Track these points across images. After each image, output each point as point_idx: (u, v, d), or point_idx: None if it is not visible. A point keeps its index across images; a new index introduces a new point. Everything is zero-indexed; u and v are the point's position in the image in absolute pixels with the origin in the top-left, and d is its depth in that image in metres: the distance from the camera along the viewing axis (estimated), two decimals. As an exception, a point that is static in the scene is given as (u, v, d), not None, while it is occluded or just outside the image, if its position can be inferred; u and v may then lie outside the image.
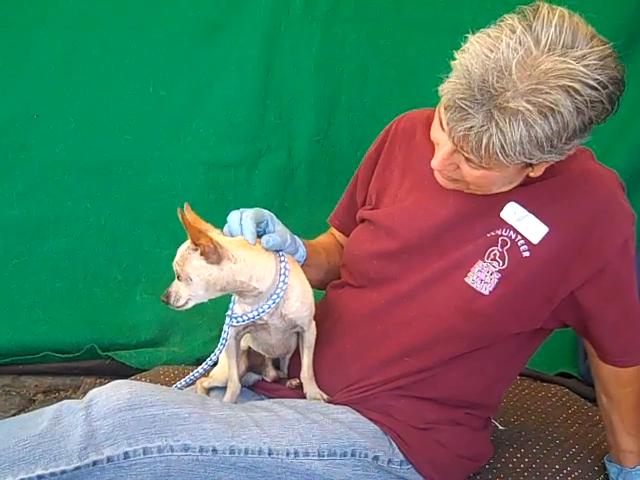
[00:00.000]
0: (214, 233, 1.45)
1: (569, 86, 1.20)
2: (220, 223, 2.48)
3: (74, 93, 2.53)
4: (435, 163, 1.37)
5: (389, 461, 1.46)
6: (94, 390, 1.42)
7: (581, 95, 1.21)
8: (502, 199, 1.42)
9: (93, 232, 2.59)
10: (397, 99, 2.52)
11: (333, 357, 1.54)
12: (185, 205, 1.42)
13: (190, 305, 1.43)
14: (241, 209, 1.50)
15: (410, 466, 1.48)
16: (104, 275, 2.60)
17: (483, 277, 1.42)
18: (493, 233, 1.42)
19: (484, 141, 1.23)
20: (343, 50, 2.52)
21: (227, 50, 2.51)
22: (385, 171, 1.61)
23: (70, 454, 1.34)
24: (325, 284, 1.68)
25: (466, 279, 1.43)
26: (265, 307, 1.44)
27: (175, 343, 2.47)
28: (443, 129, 1.32)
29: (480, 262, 1.42)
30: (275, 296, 1.43)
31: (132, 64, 2.52)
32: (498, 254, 1.41)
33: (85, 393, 1.45)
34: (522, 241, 1.40)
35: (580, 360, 2.26)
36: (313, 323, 1.52)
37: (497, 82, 1.20)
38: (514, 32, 1.22)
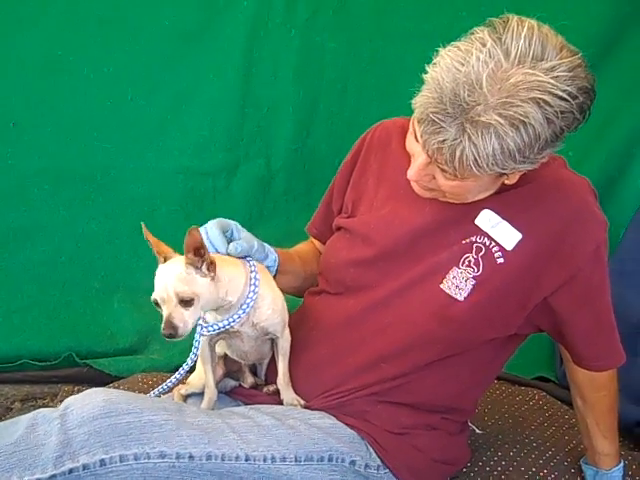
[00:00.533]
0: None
1: (539, 98, 1.24)
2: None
3: (52, 101, 2.53)
4: (411, 174, 1.41)
5: (366, 466, 1.49)
6: (69, 398, 1.44)
7: (551, 106, 1.25)
8: (477, 207, 1.46)
9: (71, 240, 2.60)
10: (377, 107, 2.54)
11: (310, 363, 1.57)
12: (143, 225, 1.46)
13: (187, 330, 1.37)
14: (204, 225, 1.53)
15: (387, 470, 1.51)
16: (82, 284, 2.60)
17: (458, 283, 1.45)
18: (468, 240, 1.46)
19: (457, 153, 1.27)
20: (322, 58, 2.53)
21: (206, 58, 2.52)
22: (361, 180, 1.65)
23: (45, 462, 1.35)
24: (302, 291, 1.71)
25: (441, 285, 1.46)
26: (235, 317, 1.46)
27: (154, 351, 2.47)
28: (417, 141, 1.35)
29: (455, 268, 1.45)
30: (245, 306, 1.45)
31: (111, 72, 2.52)
32: (473, 260, 1.45)
33: (62, 401, 1.45)
34: (496, 247, 1.44)
35: (557, 364, 2.30)
36: (287, 330, 1.55)
37: (468, 96, 1.24)
38: (484, 45, 1.25)
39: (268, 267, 1.57)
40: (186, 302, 1.36)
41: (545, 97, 1.24)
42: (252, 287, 1.45)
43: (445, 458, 1.59)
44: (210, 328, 1.48)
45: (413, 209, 1.52)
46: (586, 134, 2.34)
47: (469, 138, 1.26)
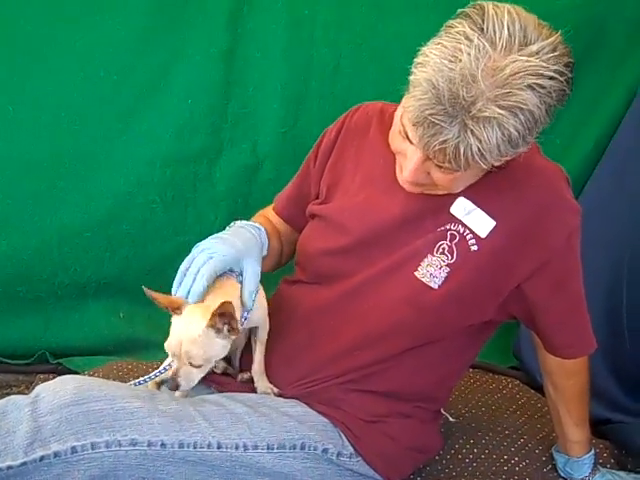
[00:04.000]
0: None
1: (533, 83, 1.50)
2: (177, 222, 2.79)
3: (12, 78, 2.66)
4: (407, 175, 1.66)
5: (338, 454, 1.79)
6: (40, 386, 1.74)
7: (544, 88, 1.52)
8: (452, 196, 1.74)
9: (37, 233, 2.79)
10: (371, 86, 2.71)
11: (284, 351, 1.86)
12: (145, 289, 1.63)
13: (193, 385, 1.69)
14: (205, 252, 1.71)
15: (359, 458, 1.81)
16: (50, 279, 2.82)
17: (432, 271, 1.74)
18: (442, 228, 1.74)
19: (461, 150, 1.52)
20: (312, 33, 2.70)
21: (187, 33, 2.67)
22: (337, 164, 1.93)
23: (16, 450, 1.63)
24: (274, 267, 2.02)
25: (416, 273, 1.75)
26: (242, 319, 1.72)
27: (131, 353, 2.73)
28: (407, 140, 1.61)
29: (430, 256, 1.74)
30: (246, 313, 1.72)
31: (81, 45, 2.65)
32: (447, 248, 1.73)
33: (36, 389, 1.74)
34: (470, 235, 1.73)
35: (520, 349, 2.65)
36: (265, 319, 1.83)
37: (467, 93, 1.48)
38: (470, 40, 1.49)
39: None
40: (196, 364, 1.64)
41: (538, 81, 1.50)
42: (245, 314, 1.72)
43: (418, 446, 1.90)
44: None
45: (388, 196, 1.80)
46: (573, 121, 2.66)
47: (472, 133, 1.50)
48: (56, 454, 1.65)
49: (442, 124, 1.50)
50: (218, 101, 2.77)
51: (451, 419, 2.15)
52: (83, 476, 1.66)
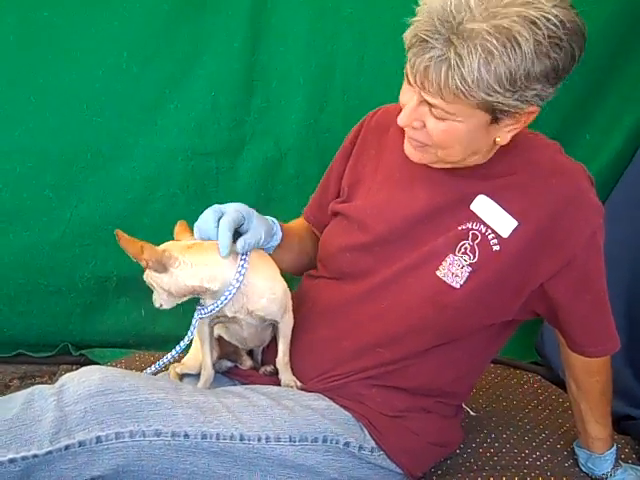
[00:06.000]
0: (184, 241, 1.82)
1: (527, 15, 1.54)
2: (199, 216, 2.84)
3: (35, 69, 2.72)
4: (401, 117, 1.73)
5: (360, 447, 1.86)
6: (66, 375, 1.81)
7: (539, 28, 1.55)
8: (472, 192, 1.80)
9: (58, 225, 2.88)
10: (396, 79, 2.47)
11: (307, 345, 1.94)
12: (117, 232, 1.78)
13: (166, 307, 1.84)
14: (216, 208, 1.81)
15: (381, 453, 1.88)
16: (71, 272, 2.92)
17: (454, 270, 1.80)
18: (464, 226, 1.80)
19: (443, 70, 1.56)
20: (337, 26, 2.72)
21: (209, 26, 2.71)
22: (358, 163, 2.00)
23: (42, 439, 1.71)
24: (297, 268, 2.09)
25: (437, 272, 1.81)
26: (219, 302, 1.80)
27: (152, 349, 2.78)
28: (409, 83, 1.68)
29: (451, 255, 1.80)
30: (227, 292, 1.79)
31: (102, 36, 2.70)
32: (469, 248, 1.80)
33: (60, 379, 1.83)
34: (492, 235, 1.79)
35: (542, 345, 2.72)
36: (288, 315, 1.90)
37: (457, 12, 1.55)
38: None
39: (269, 247, 1.92)
40: (152, 287, 1.81)
41: (533, 13, 1.54)
42: (237, 275, 1.78)
43: (439, 441, 1.97)
44: (202, 311, 1.84)
45: (409, 194, 1.87)
46: (603, 116, 2.68)
47: (455, 51, 1.54)
48: (81, 443, 1.73)
49: (429, 39, 1.57)
50: (241, 95, 2.82)
51: (472, 413, 2.22)
52: (107, 465, 1.75)
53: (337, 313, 1.94)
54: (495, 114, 1.65)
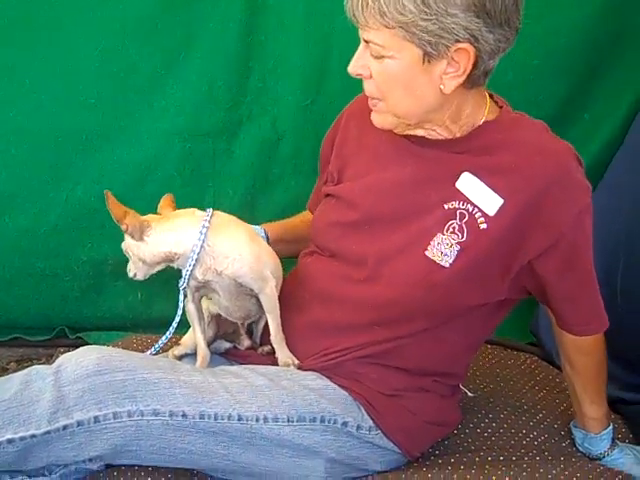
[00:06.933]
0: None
1: None
2: (196, 198, 2.86)
3: (29, 50, 2.73)
4: (350, 66, 1.81)
5: (358, 427, 1.89)
6: (63, 356, 1.84)
7: None
8: (456, 168, 1.84)
9: (53, 209, 2.89)
10: None
11: (302, 323, 1.97)
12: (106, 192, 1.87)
13: (140, 277, 1.95)
14: None
15: (379, 432, 1.91)
16: (67, 255, 2.93)
17: (443, 249, 1.83)
18: (451, 205, 1.84)
19: None
20: (334, 4, 2.42)
21: (205, 7, 2.72)
22: (343, 148, 2.05)
23: (40, 418, 1.75)
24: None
25: (426, 252, 1.84)
26: (187, 266, 1.88)
27: (149, 332, 2.77)
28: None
29: (439, 235, 1.84)
30: (192, 253, 1.87)
31: (98, 18, 2.71)
32: (457, 227, 1.83)
33: (58, 360, 1.85)
34: (479, 213, 1.82)
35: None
36: (268, 288, 1.93)
37: None
38: None
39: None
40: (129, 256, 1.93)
41: None
42: (200, 235, 1.87)
43: (437, 420, 1.99)
44: (180, 282, 1.90)
45: (394, 171, 1.91)
46: (605, 96, 2.71)
47: None
48: (79, 423, 1.76)
49: None
50: (237, 75, 2.83)
51: (469, 394, 2.26)
52: (105, 445, 1.78)
53: (331, 293, 1.97)
54: (425, 48, 1.70)
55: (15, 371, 2.64)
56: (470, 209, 1.83)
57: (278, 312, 1.96)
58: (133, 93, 2.84)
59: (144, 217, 1.90)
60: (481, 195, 1.82)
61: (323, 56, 2.82)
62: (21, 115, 2.82)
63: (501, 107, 1.90)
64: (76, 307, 3.00)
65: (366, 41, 1.76)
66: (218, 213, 1.94)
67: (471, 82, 1.77)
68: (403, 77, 1.76)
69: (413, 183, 1.89)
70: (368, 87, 1.83)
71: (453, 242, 1.83)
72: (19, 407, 1.77)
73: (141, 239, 1.87)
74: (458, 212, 1.84)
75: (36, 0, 2.71)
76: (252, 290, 1.93)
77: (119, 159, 2.89)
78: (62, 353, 1.91)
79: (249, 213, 2.77)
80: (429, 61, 1.72)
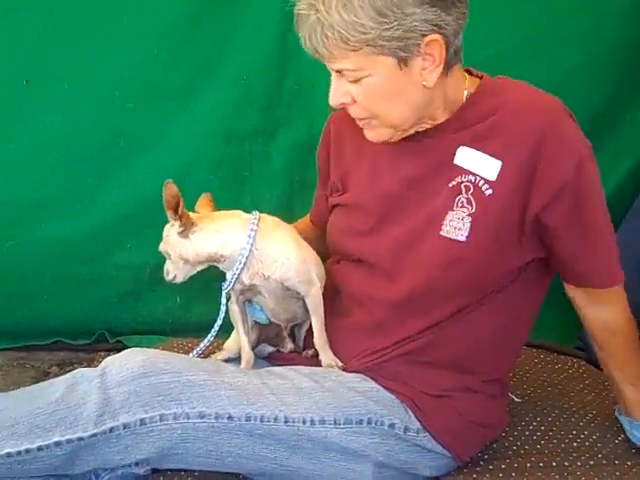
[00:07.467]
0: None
1: None
2: (233, 201, 2.85)
3: (68, 56, 2.77)
4: (330, 98, 1.83)
5: (405, 429, 1.88)
6: (108, 358, 1.85)
7: None
8: (452, 146, 1.86)
9: (91, 214, 2.93)
10: None
11: (342, 327, 1.98)
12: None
13: (179, 279, 1.95)
14: None
15: (427, 434, 1.89)
16: (107, 259, 2.97)
17: (456, 225, 1.84)
18: (454, 182, 1.85)
19: (319, 31, 1.70)
20: None
21: (240, 10, 2.74)
22: (341, 157, 2.08)
23: (86, 421, 1.75)
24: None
25: (441, 232, 1.85)
26: (235, 270, 1.89)
27: (187, 333, 2.83)
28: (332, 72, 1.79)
29: (450, 212, 1.85)
30: (240, 257, 1.88)
31: (133, 23, 2.75)
32: (465, 200, 1.84)
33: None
34: (482, 181, 1.83)
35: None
36: (314, 289, 1.95)
37: None
38: None
39: None
40: (168, 256, 1.92)
41: None
42: (248, 239, 1.88)
43: (485, 422, 1.97)
44: (225, 285, 1.91)
45: (395, 170, 1.93)
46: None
47: (316, 9, 1.68)
48: (125, 426, 1.76)
49: (303, 12, 1.73)
50: (274, 78, 2.85)
51: (516, 399, 2.23)
52: (152, 448, 1.78)
53: (363, 294, 1.98)
54: (397, 55, 1.73)
55: (57, 375, 2.68)
56: (473, 179, 1.84)
57: (323, 314, 1.97)
58: (169, 98, 2.87)
59: (191, 214, 1.91)
60: (479, 163, 1.83)
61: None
62: (58, 121, 2.85)
63: (481, 77, 1.92)
64: (115, 312, 3.04)
65: (338, 71, 1.78)
66: (264, 216, 1.95)
67: (447, 67, 1.79)
68: (386, 89, 1.79)
69: (417, 176, 1.91)
70: (355, 111, 1.85)
71: (464, 215, 1.84)
72: (65, 410, 1.77)
73: (186, 237, 1.88)
74: (463, 186, 1.85)
75: (73, 8, 2.75)
76: (298, 293, 1.94)
77: (156, 164, 2.91)
78: (103, 357, 1.91)
79: (286, 216, 2.72)
80: (405, 64, 1.74)
